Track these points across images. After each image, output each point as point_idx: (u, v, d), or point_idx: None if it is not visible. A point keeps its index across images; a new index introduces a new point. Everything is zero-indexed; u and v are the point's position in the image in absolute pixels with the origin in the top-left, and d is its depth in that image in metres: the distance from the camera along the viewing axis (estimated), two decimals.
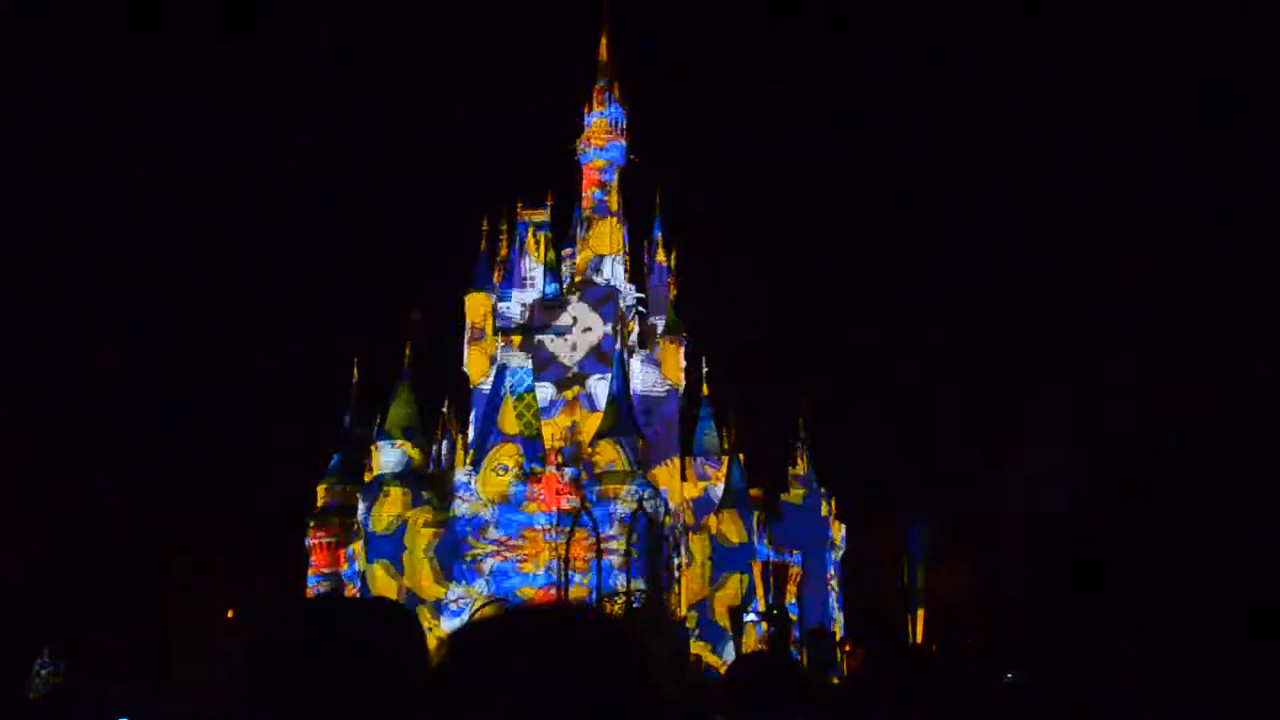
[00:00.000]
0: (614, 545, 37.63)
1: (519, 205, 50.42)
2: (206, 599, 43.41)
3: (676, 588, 43.07)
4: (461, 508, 40.67)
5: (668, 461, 47.63)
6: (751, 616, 43.60)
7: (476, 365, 47.76)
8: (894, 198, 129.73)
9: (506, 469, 40.78)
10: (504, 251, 49.83)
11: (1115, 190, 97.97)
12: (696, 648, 42.83)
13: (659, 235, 53.86)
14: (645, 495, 39.96)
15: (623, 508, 39.11)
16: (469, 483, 40.92)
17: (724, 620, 44.45)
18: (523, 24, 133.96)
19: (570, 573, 36.24)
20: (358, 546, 42.38)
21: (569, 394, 47.22)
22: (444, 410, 48.29)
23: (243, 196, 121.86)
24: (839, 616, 57.03)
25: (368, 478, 43.58)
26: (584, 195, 51.30)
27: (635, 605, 35.42)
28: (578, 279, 49.49)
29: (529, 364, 43.97)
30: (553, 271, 49.23)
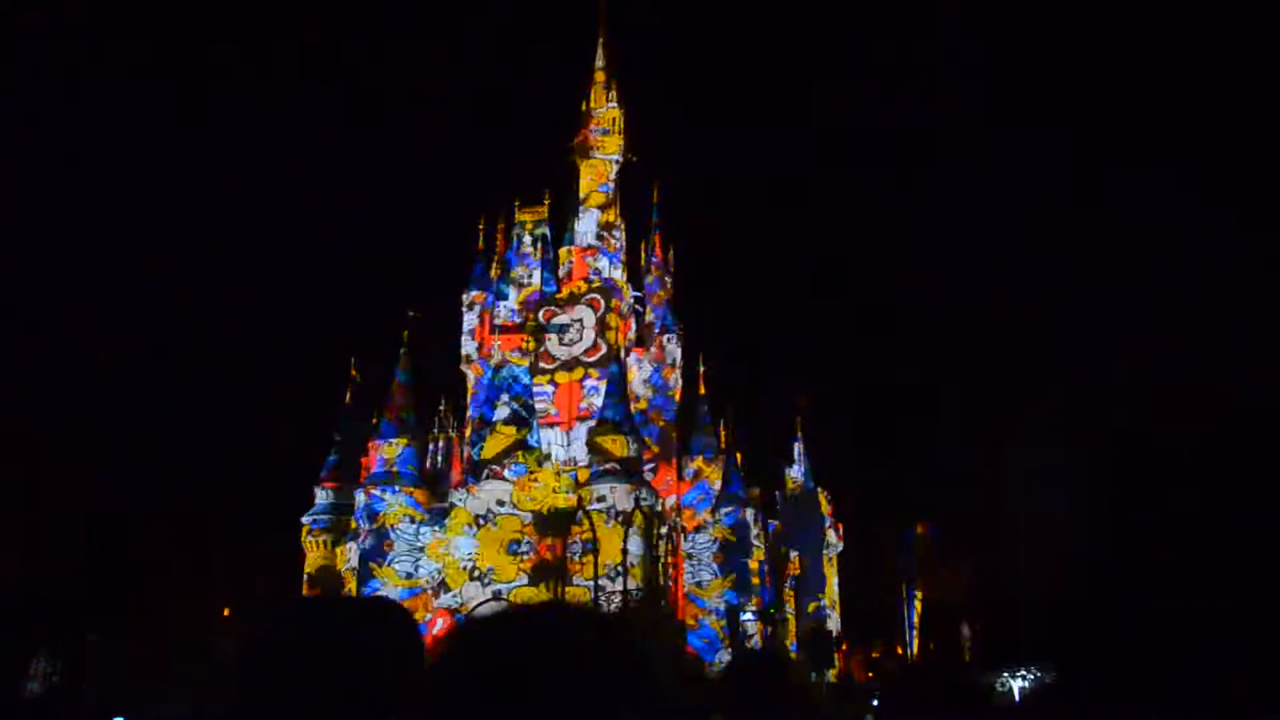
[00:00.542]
0: (611, 545, 37.64)
1: (517, 204, 50.39)
2: (206, 599, 43.36)
3: (673, 587, 43.07)
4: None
5: (665, 461, 47.61)
6: (749, 616, 43.63)
7: (474, 365, 47.73)
8: (894, 198, 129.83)
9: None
10: (502, 251, 49.79)
11: (1115, 190, 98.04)
12: (693, 648, 42.83)
13: (657, 234, 53.82)
14: (642, 494, 39.97)
15: (620, 507, 39.12)
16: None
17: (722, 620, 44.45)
18: (522, 24, 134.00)
19: (568, 572, 36.25)
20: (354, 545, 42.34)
21: (567, 393, 47.19)
22: (441, 409, 48.24)
23: (243, 196, 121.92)
24: (836, 616, 57.15)
25: (364, 477, 43.53)
26: (582, 194, 51.27)
27: (633, 605, 35.44)
28: (576, 278, 49.46)
29: (526, 363, 43.92)
30: (551, 271, 49.20)
